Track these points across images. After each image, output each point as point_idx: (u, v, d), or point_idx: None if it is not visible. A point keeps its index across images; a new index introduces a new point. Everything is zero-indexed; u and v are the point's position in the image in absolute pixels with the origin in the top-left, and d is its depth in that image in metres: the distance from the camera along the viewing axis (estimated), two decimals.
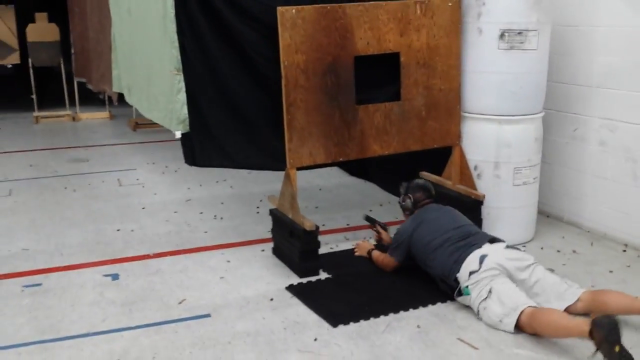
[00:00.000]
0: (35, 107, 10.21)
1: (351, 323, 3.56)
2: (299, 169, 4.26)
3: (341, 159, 4.42)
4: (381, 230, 4.61)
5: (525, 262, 3.65)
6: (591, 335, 2.98)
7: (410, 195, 4.31)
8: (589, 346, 3.11)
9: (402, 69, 4.41)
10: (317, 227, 4.13)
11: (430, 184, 4.40)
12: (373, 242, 4.61)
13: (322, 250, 4.37)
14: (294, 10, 4.02)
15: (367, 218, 4.77)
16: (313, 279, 4.13)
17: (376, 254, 4.34)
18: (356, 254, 4.50)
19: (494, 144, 4.55)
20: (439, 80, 4.54)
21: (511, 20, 4.34)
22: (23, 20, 10.26)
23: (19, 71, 12.42)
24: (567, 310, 3.47)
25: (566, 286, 3.57)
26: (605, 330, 2.93)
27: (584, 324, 3.07)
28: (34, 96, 10.16)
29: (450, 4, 4.48)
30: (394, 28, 4.33)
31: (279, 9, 3.99)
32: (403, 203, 4.37)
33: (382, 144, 4.45)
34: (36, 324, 3.62)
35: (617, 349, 2.90)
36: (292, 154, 4.18)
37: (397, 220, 4.90)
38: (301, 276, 4.15)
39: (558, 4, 4.86)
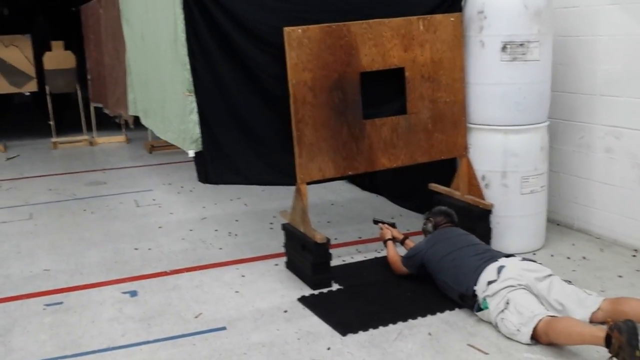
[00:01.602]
0: (53, 133, 10.45)
1: (361, 332, 3.64)
2: (309, 183, 4.37)
3: (350, 173, 4.52)
4: (390, 228, 4.72)
5: (542, 273, 3.68)
6: (607, 341, 2.99)
7: (432, 219, 4.45)
8: (598, 350, 3.17)
9: (407, 83, 4.51)
10: (328, 240, 4.21)
11: (452, 211, 4.49)
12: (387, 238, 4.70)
13: (335, 262, 4.46)
14: (300, 30, 4.15)
15: (375, 221, 4.92)
16: (325, 290, 4.22)
17: (391, 248, 4.50)
18: (379, 234, 4.74)
19: (501, 154, 4.63)
20: (443, 93, 4.63)
21: (512, 33, 4.44)
22: (40, 49, 10.52)
23: (36, 98, 12.68)
24: (590, 318, 3.49)
25: (586, 295, 3.60)
26: (626, 334, 2.91)
27: (598, 330, 3.10)
28: (51, 122, 10.39)
29: (452, 19, 4.58)
30: (398, 44, 4.45)
31: (286, 29, 4.12)
32: (424, 226, 4.50)
33: (390, 157, 4.55)
34: (58, 340, 3.74)
35: (637, 353, 2.90)
36: (302, 169, 4.29)
37: (408, 232, 4.97)
38: (313, 288, 4.23)
39: (559, 15, 4.96)
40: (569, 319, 3.39)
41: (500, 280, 3.62)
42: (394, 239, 4.64)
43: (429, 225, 4.45)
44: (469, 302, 3.76)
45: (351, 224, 5.64)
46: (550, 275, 3.69)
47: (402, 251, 4.52)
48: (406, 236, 4.69)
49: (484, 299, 3.64)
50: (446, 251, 4.02)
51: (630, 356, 2.90)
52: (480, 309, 3.68)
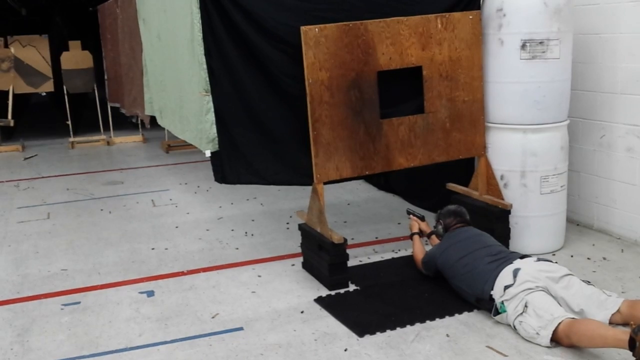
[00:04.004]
0: (71, 132, 10.52)
1: (379, 333, 3.61)
2: (326, 183, 4.34)
3: (367, 173, 4.49)
4: (419, 221, 4.69)
5: (558, 273, 3.62)
6: (631, 344, 2.94)
7: (442, 221, 4.40)
8: (620, 352, 3.12)
9: (425, 82, 4.47)
10: (345, 240, 4.19)
11: (462, 208, 4.44)
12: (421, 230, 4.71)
13: (352, 263, 4.43)
14: (317, 29, 4.12)
15: (408, 211, 4.91)
16: (342, 291, 4.20)
17: (417, 243, 4.48)
18: (409, 225, 4.72)
19: (520, 153, 4.58)
20: (462, 92, 4.59)
21: (532, 31, 4.39)
22: (57, 49, 10.58)
23: (53, 98, 12.77)
24: (610, 320, 3.44)
25: (605, 295, 3.55)
26: None
27: (621, 333, 3.05)
28: (69, 122, 10.45)
29: (470, 17, 4.54)
30: (416, 42, 4.41)
31: (303, 28, 4.10)
32: (435, 229, 4.47)
33: (408, 156, 4.51)
34: (75, 340, 3.75)
35: None
36: (319, 168, 4.27)
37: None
38: (330, 289, 4.21)
39: (579, 12, 4.89)
40: (591, 322, 3.34)
41: (517, 283, 3.56)
42: (421, 233, 4.61)
43: (439, 228, 4.40)
44: (486, 306, 3.72)
45: (368, 224, 5.61)
46: (567, 275, 3.64)
47: (427, 246, 4.50)
48: (433, 231, 4.64)
49: (502, 302, 3.59)
50: (459, 256, 3.97)
51: None
52: (497, 313, 3.63)
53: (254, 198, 6.62)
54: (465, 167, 5.03)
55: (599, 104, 5.02)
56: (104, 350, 3.61)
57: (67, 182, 7.92)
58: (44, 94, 11.43)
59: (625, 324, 3.34)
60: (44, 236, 5.76)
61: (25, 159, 9.58)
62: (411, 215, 4.77)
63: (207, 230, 5.70)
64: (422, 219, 4.73)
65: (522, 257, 3.81)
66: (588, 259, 4.61)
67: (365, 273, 4.48)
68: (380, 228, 5.46)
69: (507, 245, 4.48)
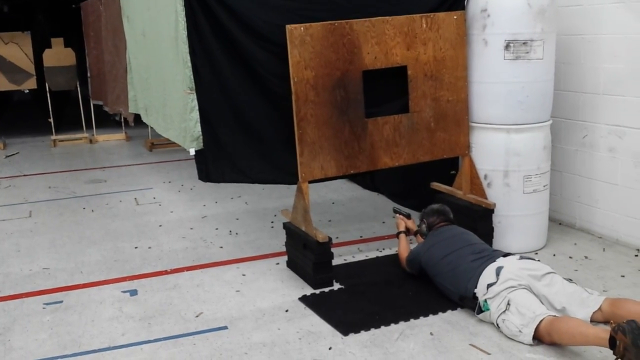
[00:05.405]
0: (53, 130, 10.42)
1: (363, 332, 3.62)
2: (311, 182, 4.34)
3: (352, 172, 4.49)
4: (405, 220, 4.69)
5: (541, 271, 3.64)
6: (611, 343, 2.97)
7: (425, 220, 4.41)
8: (601, 350, 3.15)
9: (410, 81, 4.49)
10: (330, 239, 4.19)
11: (446, 207, 4.45)
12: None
13: (336, 262, 4.43)
14: (302, 28, 4.12)
15: (394, 209, 4.92)
16: (326, 289, 4.20)
17: (402, 242, 4.49)
18: (395, 224, 4.73)
19: (503, 153, 4.61)
20: (446, 92, 4.61)
21: (516, 31, 4.42)
22: (40, 46, 10.49)
23: (36, 96, 12.66)
24: (591, 318, 3.46)
25: (587, 294, 3.57)
26: (631, 335, 2.87)
27: (602, 332, 3.08)
28: (51, 120, 10.36)
29: (455, 17, 4.56)
30: (401, 42, 4.42)
31: (288, 27, 4.09)
32: (418, 228, 4.48)
33: (392, 155, 4.53)
34: (58, 339, 3.72)
35: None
36: (304, 167, 4.27)
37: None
38: (315, 287, 4.21)
39: (563, 13, 4.93)
40: (572, 320, 3.37)
41: (500, 282, 3.58)
42: (407, 231, 4.62)
43: (423, 227, 4.42)
44: (469, 304, 3.74)
45: (353, 223, 5.62)
46: (549, 273, 3.66)
47: (414, 244, 4.51)
48: (419, 229, 4.65)
49: (485, 301, 3.61)
50: (442, 254, 3.99)
51: (636, 357, 2.87)
52: (481, 311, 3.65)
53: (239, 197, 6.61)
54: (450, 167, 5.05)
55: (582, 104, 5.06)
56: (86, 349, 3.59)
57: (49, 180, 7.85)
58: (27, 91, 11.31)
59: (606, 322, 3.37)
60: (26, 234, 5.70)
61: (7, 156, 9.49)
62: (397, 214, 4.78)
63: (191, 229, 5.68)
64: (408, 217, 4.75)
65: (505, 255, 3.83)
66: (570, 257, 4.65)
67: (350, 272, 4.49)
68: (365, 227, 5.47)
69: (490, 244, 4.50)
